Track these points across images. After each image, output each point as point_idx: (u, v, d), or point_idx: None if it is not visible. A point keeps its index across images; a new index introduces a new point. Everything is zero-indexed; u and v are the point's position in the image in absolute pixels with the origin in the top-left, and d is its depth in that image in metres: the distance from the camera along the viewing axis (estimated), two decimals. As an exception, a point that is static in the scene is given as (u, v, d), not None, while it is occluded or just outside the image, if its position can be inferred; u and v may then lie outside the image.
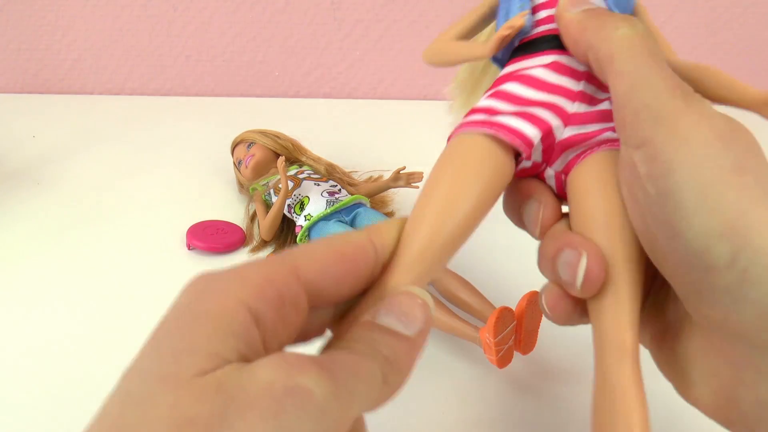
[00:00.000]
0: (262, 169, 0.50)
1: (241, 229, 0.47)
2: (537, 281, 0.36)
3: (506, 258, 0.44)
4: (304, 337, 0.19)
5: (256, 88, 0.77)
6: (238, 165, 0.51)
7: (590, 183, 0.20)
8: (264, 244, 0.46)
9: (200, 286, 0.16)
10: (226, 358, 0.14)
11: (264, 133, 0.51)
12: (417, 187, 0.47)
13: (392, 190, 0.49)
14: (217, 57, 0.75)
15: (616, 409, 0.18)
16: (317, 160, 0.51)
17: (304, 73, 0.76)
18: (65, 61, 0.75)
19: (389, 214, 0.48)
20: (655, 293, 0.22)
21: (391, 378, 0.17)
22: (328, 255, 0.18)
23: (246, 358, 0.15)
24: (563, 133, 0.21)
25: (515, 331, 0.32)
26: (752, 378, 0.17)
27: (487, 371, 0.34)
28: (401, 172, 0.47)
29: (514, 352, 0.33)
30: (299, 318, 0.17)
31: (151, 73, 0.76)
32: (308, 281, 0.17)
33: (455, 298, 0.36)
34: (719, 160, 0.16)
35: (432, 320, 0.19)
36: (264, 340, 0.16)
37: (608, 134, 0.21)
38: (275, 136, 0.51)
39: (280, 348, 0.17)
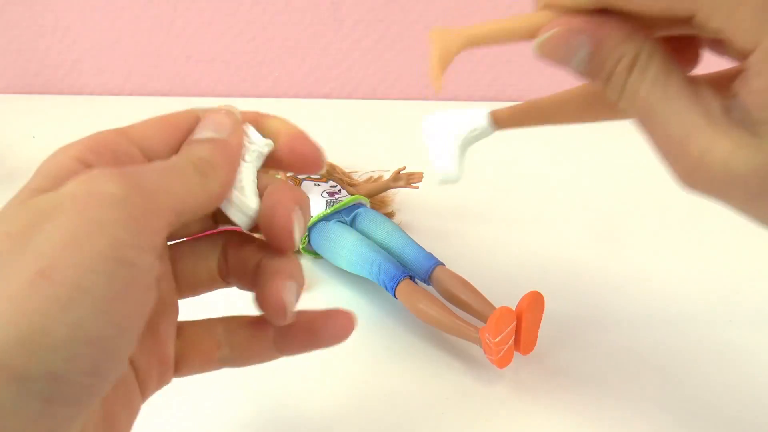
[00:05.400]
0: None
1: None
2: (537, 281, 0.36)
3: (506, 258, 0.44)
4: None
5: (256, 88, 0.77)
6: (238, 165, 0.51)
7: None
8: (264, 244, 0.46)
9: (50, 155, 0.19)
10: (47, 190, 0.17)
11: (264, 133, 0.51)
12: (417, 188, 0.47)
13: (392, 190, 0.49)
14: (217, 57, 0.75)
15: None
16: (317, 160, 0.51)
17: (304, 73, 0.76)
18: (65, 62, 0.75)
19: (389, 215, 0.48)
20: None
21: (208, 170, 0.19)
22: (152, 120, 0.21)
23: None
24: None
25: (515, 331, 0.32)
26: None
27: (487, 371, 0.34)
28: (401, 172, 0.47)
29: (514, 352, 0.33)
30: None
31: (151, 73, 0.76)
32: (137, 139, 0.20)
33: (455, 298, 0.36)
34: None
35: (239, 122, 0.21)
36: None
37: None
38: (275, 136, 0.51)
39: None
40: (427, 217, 0.49)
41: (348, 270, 0.40)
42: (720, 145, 0.17)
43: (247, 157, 0.21)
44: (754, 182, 0.17)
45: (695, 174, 0.18)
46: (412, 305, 0.36)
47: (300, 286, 0.21)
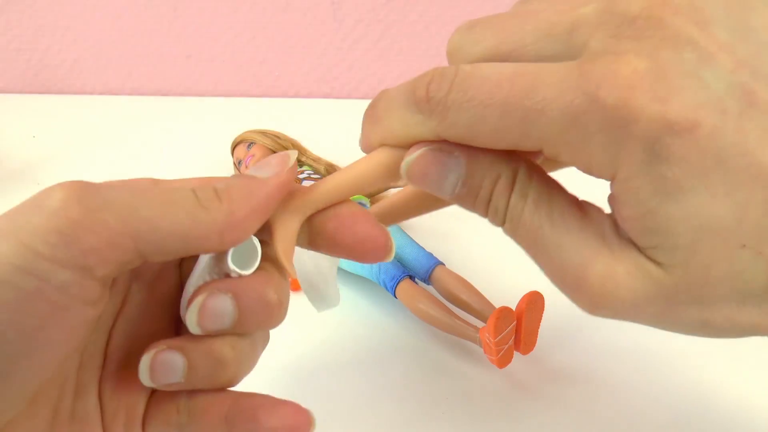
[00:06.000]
0: (262, 169, 0.50)
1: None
2: (537, 281, 0.36)
3: (506, 258, 0.44)
4: None
5: (256, 88, 0.77)
6: (238, 165, 0.51)
7: None
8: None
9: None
10: None
11: (264, 133, 0.51)
12: (417, 187, 0.47)
13: (392, 190, 0.49)
14: (217, 57, 0.75)
15: None
16: (317, 160, 0.51)
17: (304, 73, 0.76)
18: (65, 61, 0.75)
19: (389, 214, 0.48)
20: None
21: (211, 200, 0.17)
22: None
23: None
24: None
25: (515, 331, 0.32)
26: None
27: (487, 371, 0.34)
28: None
29: (514, 352, 0.33)
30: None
31: (151, 73, 0.76)
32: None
33: (455, 298, 0.36)
34: None
35: (293, 169, 0.19)
36: None
37: None
38: (275, 137, 0.51)
39: None
40: (427, 217, 0.49)
41: (348, 270, 0.40)
42: (620, 269, 0.16)
43: (207, 277, 0.18)
44: (660, 302, 0.16)
45: (599, 302, 0.17)
46: (412, 305, 0.36)
47: (196, 379, 0.18)
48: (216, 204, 0.17)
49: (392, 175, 0.19)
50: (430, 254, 0.39)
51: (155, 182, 0.18)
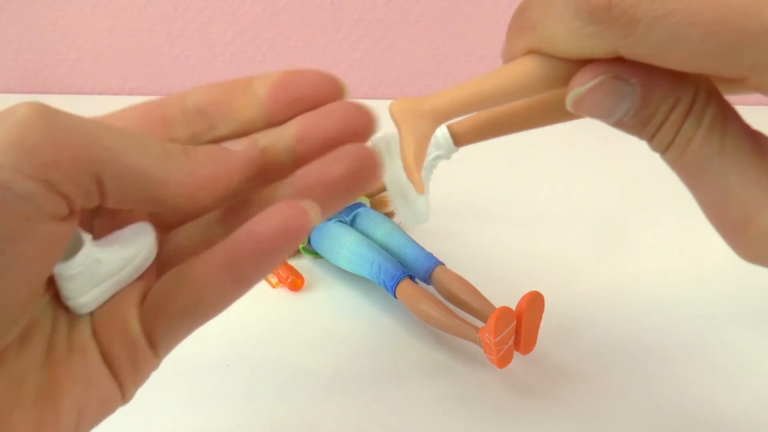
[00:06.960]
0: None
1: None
2: (537, 281, 0.36)
3: (506, 258, 0.44)
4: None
5: (256, 88, 0.77)
6: (238, 165, 0.51)
7: None
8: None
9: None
10: None
11: (264, 133, 0.51)
12: (417, 187, 0.47)
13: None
14: (217, 57, 0.75)
15: None
16: (317, 160, 0.51)
17: (304, 73, 0.76)
18: (65, 61, 0.75)
19: (389, 215, 0.48)
20: None
21: (172, 149, 0.17)
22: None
23: None
24: None
25: (515, 331, 0.32)
26: None
27: (487, 371, 0.34)
28: (401, 172, 0.46)
29: (514, 352, 0.33)
30: None
31: (151, 73, 0.76)
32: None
33: (455, 298, 0.36)
34: None
35: (261, 151, 0.18)
36: None
37: None
38: (275, 136, 0.51)
39: None
40: (427, 217, 0.49)
41: (348, 270, 0.40)
42: None
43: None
44: None
45: (761, 250, 0.15)
46: (412, 305, 0.36)
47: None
48: (182, 157, 0.17)
49: (540, 87, 0.17)
50: (430, 254, 0.39)
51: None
